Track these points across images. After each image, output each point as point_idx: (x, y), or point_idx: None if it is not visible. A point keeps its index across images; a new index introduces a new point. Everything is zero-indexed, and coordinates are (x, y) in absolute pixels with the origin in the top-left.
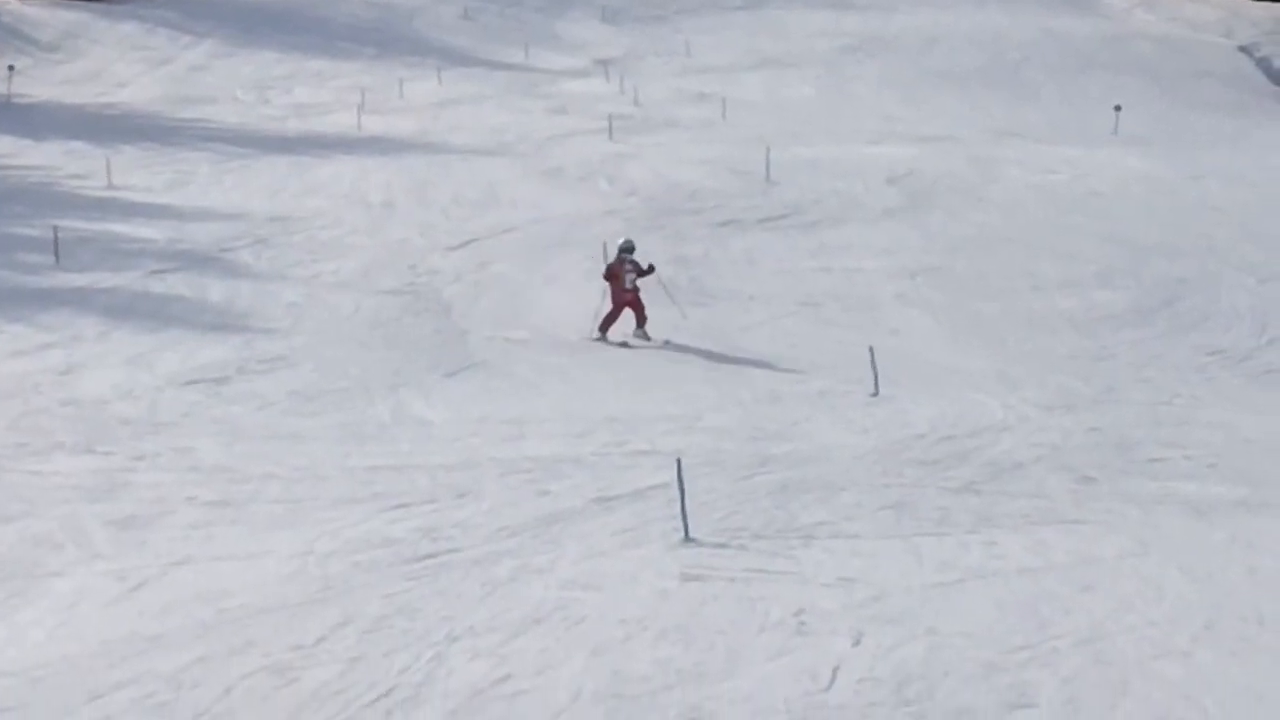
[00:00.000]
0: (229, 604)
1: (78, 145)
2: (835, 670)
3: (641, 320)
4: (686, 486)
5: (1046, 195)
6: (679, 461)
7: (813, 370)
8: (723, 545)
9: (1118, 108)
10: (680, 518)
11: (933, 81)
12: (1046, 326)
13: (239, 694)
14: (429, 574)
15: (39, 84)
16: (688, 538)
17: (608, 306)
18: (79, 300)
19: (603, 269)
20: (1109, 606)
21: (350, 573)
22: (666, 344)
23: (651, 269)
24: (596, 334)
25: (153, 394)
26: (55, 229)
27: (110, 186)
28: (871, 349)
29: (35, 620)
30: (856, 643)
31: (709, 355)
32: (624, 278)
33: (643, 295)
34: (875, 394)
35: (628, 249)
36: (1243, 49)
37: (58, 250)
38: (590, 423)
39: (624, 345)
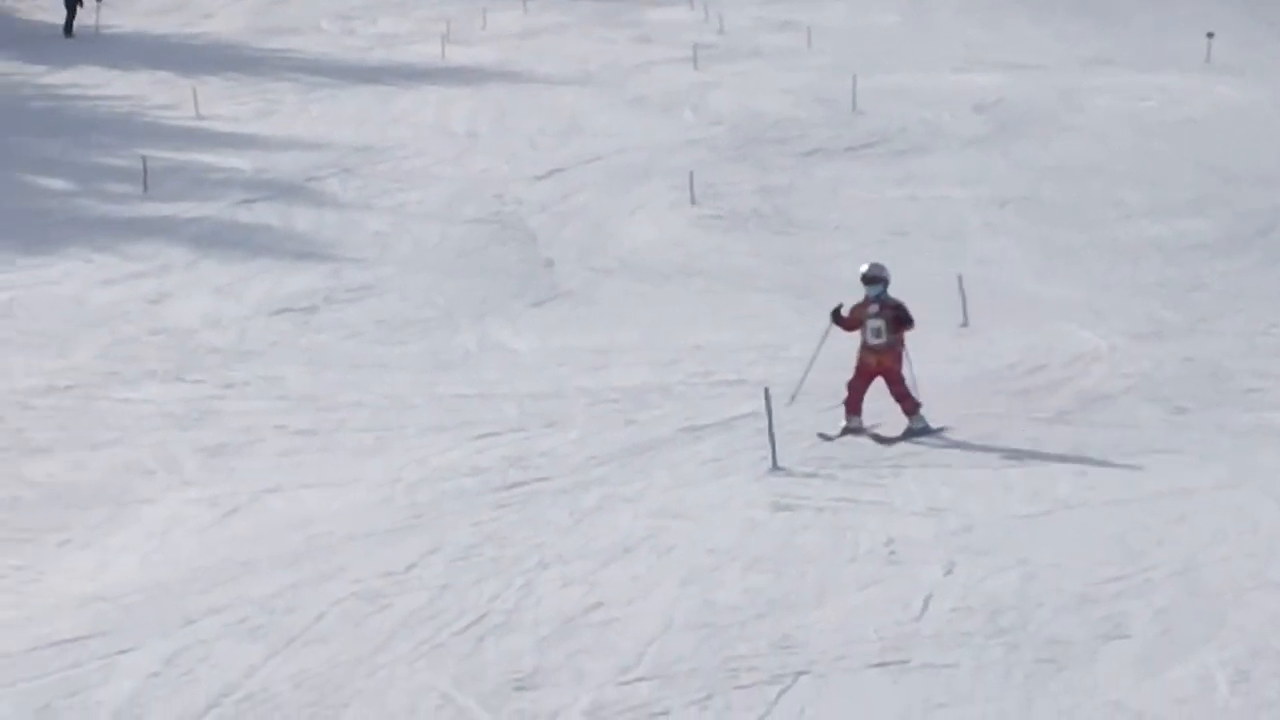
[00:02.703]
0: (319, 531)
1: (164, 75)
2: (927, 600)
3: (907, 407)
4: (775, 416)
5: (1136, 123)
6: (767, 391)
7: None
8: (811, 475)
9: (1210, 35)
10: (769, 447)
11: (1018, 8)
12: (1136, 255)
13: (330, 619)
14: (517, 502)
15: (126, 15)
16: (776, 467)
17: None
18: (167, 229)
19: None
20: (1202, 538)
21: (439, 500)
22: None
23: (908, 321)
24: (835, 431)
25: (241, 323)
26: (143, 159)
27: (197, 116)
28: (959, 278)
29: (128, 546)
30: (948, 572)
31: (795, 285)
32: (865, 328)
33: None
34: (964, 324)
35: (870, 278)
36: None
37: (146, 180)
38: (677, 352)
39: (879, 438)
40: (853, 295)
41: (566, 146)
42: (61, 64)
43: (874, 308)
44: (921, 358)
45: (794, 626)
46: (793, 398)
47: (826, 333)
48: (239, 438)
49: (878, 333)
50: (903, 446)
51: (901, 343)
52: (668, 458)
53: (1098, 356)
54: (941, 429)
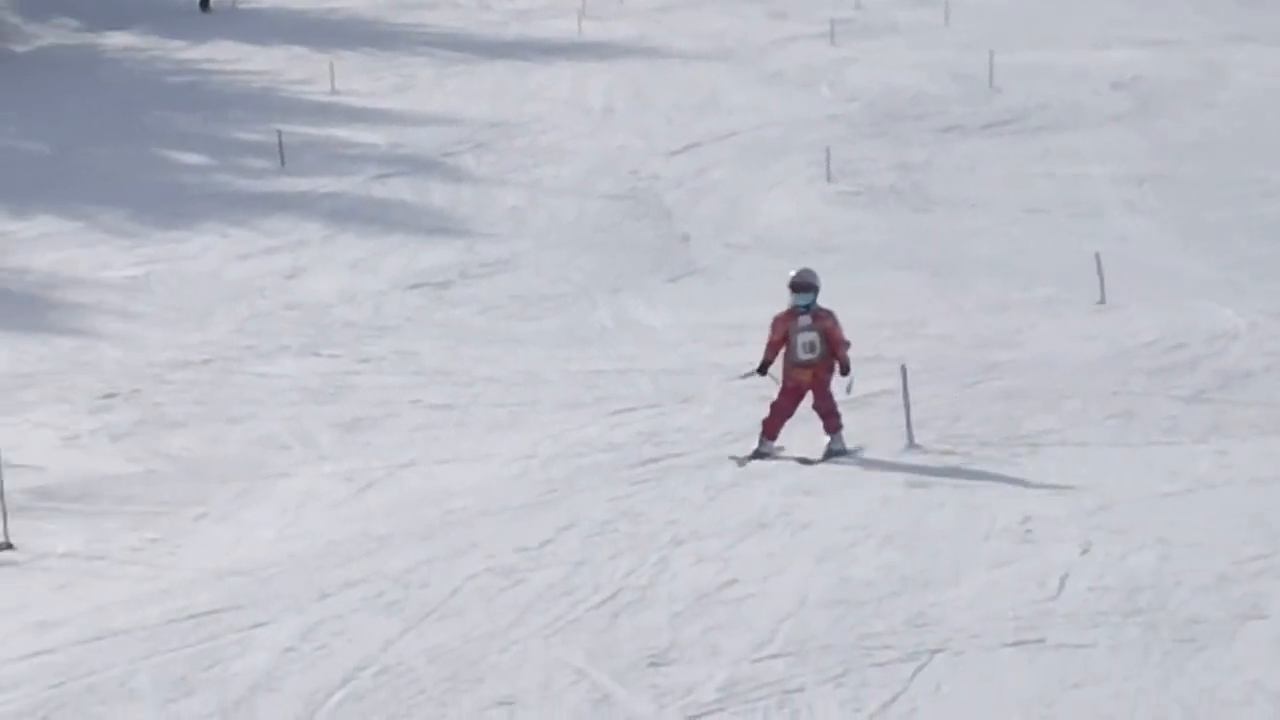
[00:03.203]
0: (454, 506)
1: (300, 50)
2: (1063, 578)
3: (831, 425)
4: (910, 393)
5: (1277, 98)
6: (903, 368)
7: (1037, 277)
8: (947, 452)
9: None
10: (904, 424)
11: None
12: (1276, 232)
13: (466, 594)
14: (652, 478)
15: None
16: (912, 444)
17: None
18: (303, 204)
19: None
20: None
21: (573, 476)
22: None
23: (846, 371)
24: (745, 456)
25: (376, 298)
26: (279, 133)
27: (333, 91)
28: (1098, 256)
29: (264, 520)
30: (1085, 551)
31: (932, 262)
32: (793, 343)
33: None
34: (1101, 301)
35: (799, 285)
36: None
37: (282, 155)
38: None
39: (803, 461)
40: (988, 272)
41: (702, 122)
42: (198, 39)
43: (804, 319)
44: (1059, 335)
45: (929, 604)
46: (743, 375)
47: (746, 376)
48: (374, 412)
49: (810, 347)
50: (1041, 423)
51: (835, 355)
52: (802, 434)
53: (1237, 334)
54: (859, 449)
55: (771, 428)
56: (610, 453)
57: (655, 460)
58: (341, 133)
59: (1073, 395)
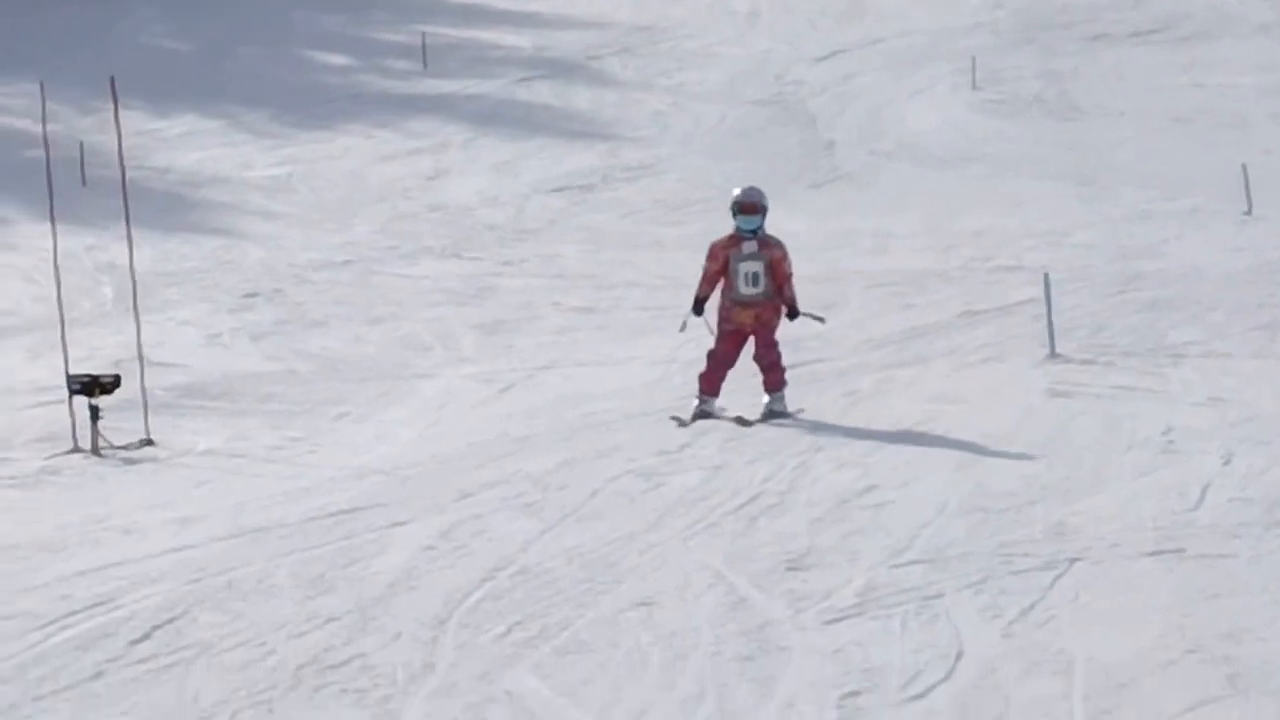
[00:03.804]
0: (594, 408)
1: None
2: (1204, 489)
3: (773, 381)
4: (1053, 303)
5: None
6: (1046, 277)
7: (1183, 188)
8: (1089, 362)
9: None
10: (1047, 334)
11: None
12: None
13: (605, 496)
14: (793, 384)
15: None
16: (1054, 354)
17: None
18: (446, 107)
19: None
20: None
21: None
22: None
23: (794, 314)
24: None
25: (518, 201)
26: (423, 35)
27: None
28: (1244, 167)
29: (405, 420)
30: (1227, 462)
31: (1077, 171)
32: (735, 273)
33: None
34: (1248, 213)
35: (747, 206)
36: None
37: (425, 56)
38: (956, 237)
39: (741, 421)
40: (1133, 182)
41: (848, 28)
42: None
43: (749, 246)
44: (1204, 246)
45: (1068, 513)
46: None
47: (684, 323)
48: (515, 315)
49: (753, 279)
50: (1185, 334)
51: (781, 296)
52: (945, 342)
53: None
54: (799, 411)
55: (711, 381)
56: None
57: (797, 366)
58: (486, 35)
59: (1217, 307)
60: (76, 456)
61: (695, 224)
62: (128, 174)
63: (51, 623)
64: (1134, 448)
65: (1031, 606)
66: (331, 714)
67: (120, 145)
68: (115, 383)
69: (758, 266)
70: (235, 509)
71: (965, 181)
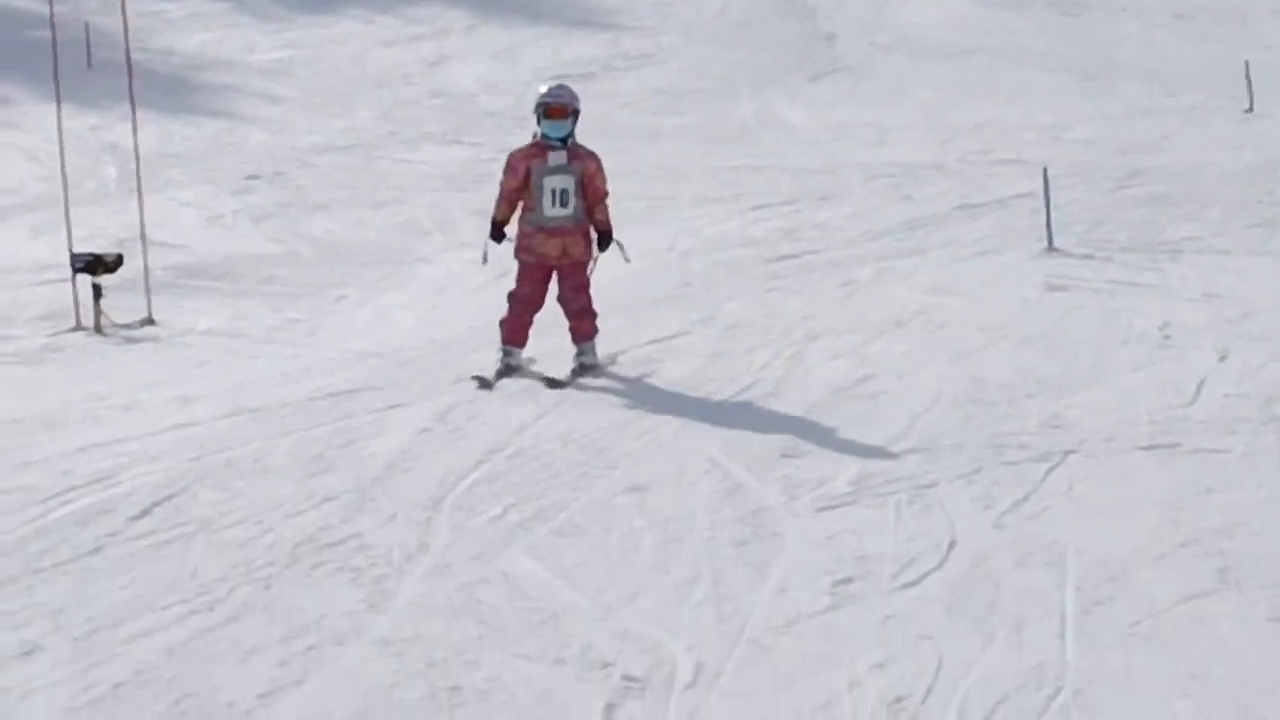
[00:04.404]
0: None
1: None
2: (1200, 385)
3: (582, 330)
4: (1052, 197)
5: None
6: (1045, 171)
7: (1185, 84)
8: (1087, 256)
9: None
10: (1045, 227)
11: None
12: None
13: (600, 382)
14: (790, 274)
15: None
16: (1052, 247)
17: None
18: None
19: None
20: None
21: (710, 270)
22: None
23: (607, 240)
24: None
25: (519, 88)
26: None
27: None
28: (1246, 64)
29: (404, 304)
30: (1223, 358)
31: (1079, 66)
32: (538, 190)
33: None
34: (1249, 110)
35: (555, 109)
36: None
37: None
38: (955, 130)
39: (550, 381)
40: (1135, 77)
41: None
42: None
43: (556, 157)
44: (1205, 143)
45: (1064, 406)
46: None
47: (485, 254)
48: None
49: (561, 198)
50: (1183, 230)
51: (593, 219)
52: (943, 234)
53: None
54: (613, 361)
55: (515, 329)
56: (748, 248)
57: (793, 257)
58: None
59: (1216, 203)
60: (79, 334)
61: (695, 114)
62: (132, 56)
63: (52, 497)
64: (1130, 342)
65: (1025, 498)
66: (327, 592)
67: (125, 27)
68: (118, 262)
69: (567, 182)
70: (235, 388)
71: (965, 74)
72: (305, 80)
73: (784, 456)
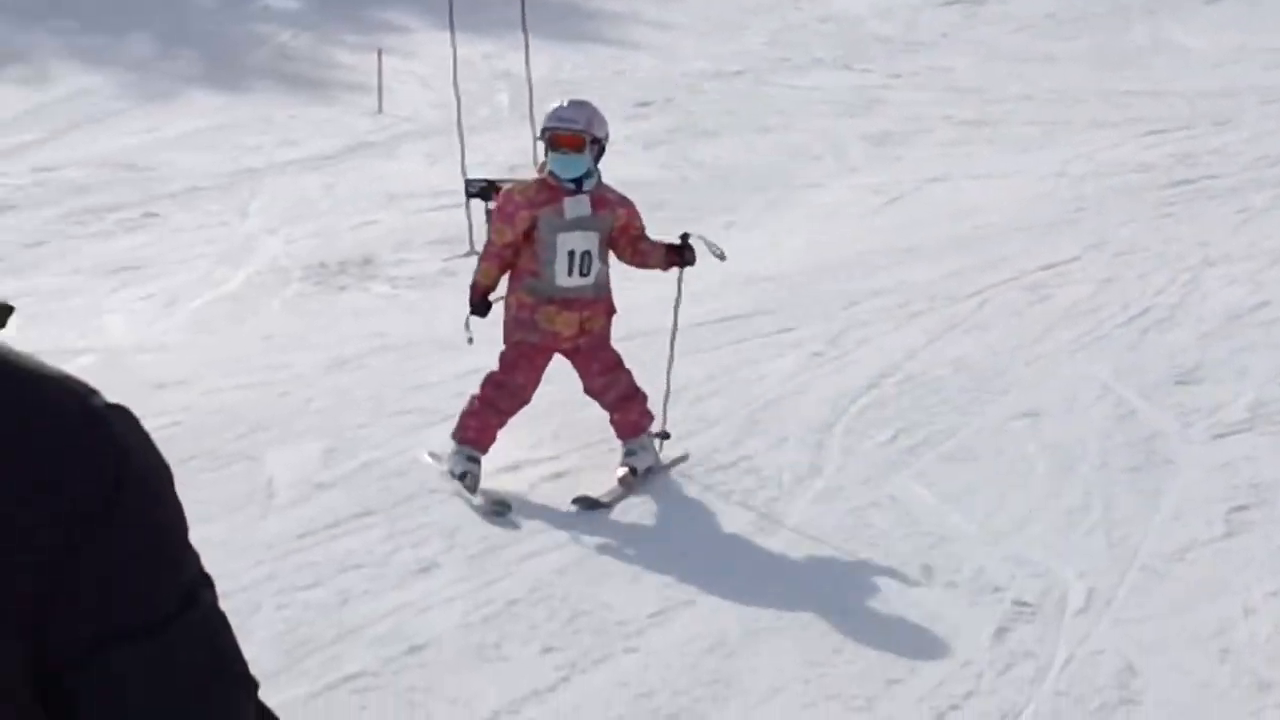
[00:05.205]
0: (981, 221)
1: None
2: None
3: (630, 422)
4: None
5: None
6: None
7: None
8: None
9: None
10: None
11: None
12: None
13: (991, 308)
14: (1184, 200)
15: None
16: None
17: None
18: None
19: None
20: None
21: (1103, 195)
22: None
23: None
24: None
25: (910, 13)
26: None
27: None
28: None
29: (793, 228)
30: None
31: None
32: (547, 249)
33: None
34: None
35: (564, 138)
36: None
37: None
38: None
39: (586, 503)
40: None
41: None
42: None
43: (578, 205)
44: None
45: None
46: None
47: (469, 333)
48: (904, 127)
49: (583, 264)
50: None
51: (641, 258)
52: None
53: None
54: (684, 457)
55: (484, 428)
56: (1141, 173)
57: (1187, 182)
58: None
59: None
60: (473, 258)
61: (1087, 38)
62: None
63: (446, 419)
64: None
65: None
66: (719, 513)
67: None
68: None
69: (590, 241)
70: (626, 313)
71: None
72: (694, 7)
73: (1178, 383)
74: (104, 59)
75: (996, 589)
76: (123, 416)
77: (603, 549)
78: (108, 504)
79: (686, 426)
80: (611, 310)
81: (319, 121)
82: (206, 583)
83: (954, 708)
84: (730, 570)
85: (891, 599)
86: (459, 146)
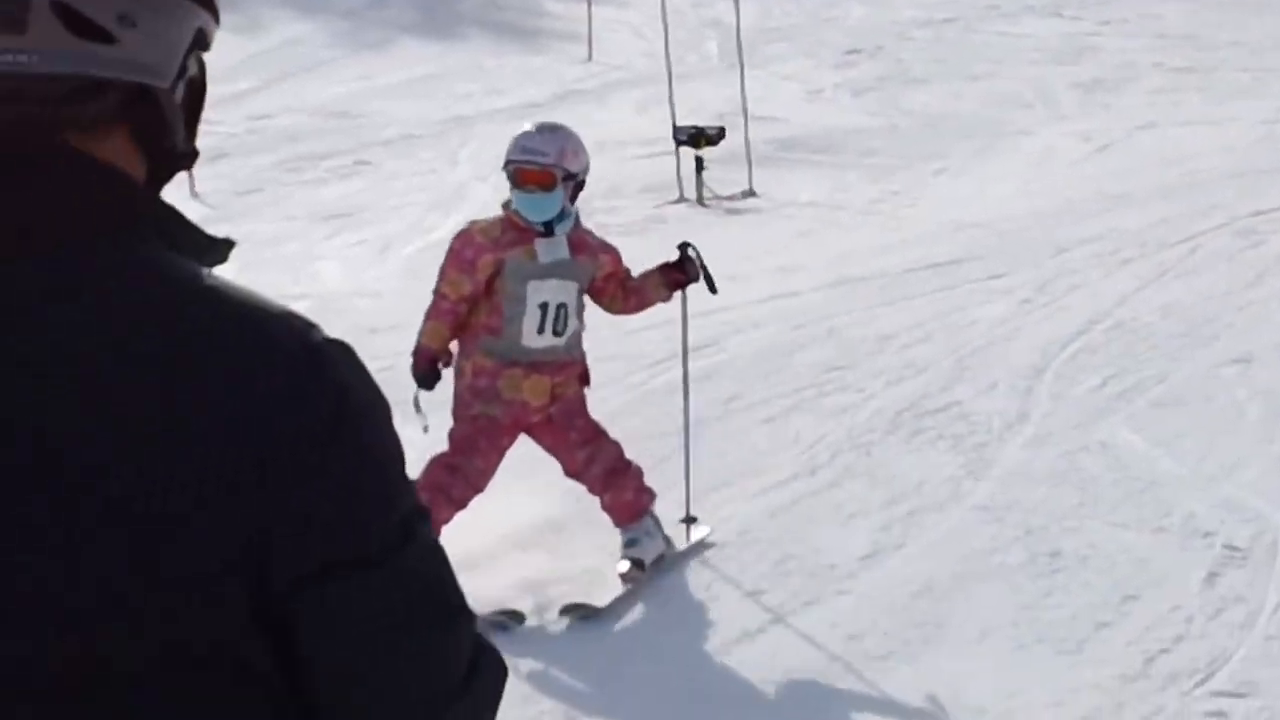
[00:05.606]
0: (1192, 168)
1: None
2: None
3: (625, 504)
4: None
5: None
6: None
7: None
8: None
9: None
10: None
11: None
12: None
13: (1202, 254)
14: None
15: None
16: None
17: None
18: None
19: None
20: None
21: None
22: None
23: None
24: None
25: None
26: None
27: None
28: None
29: (1002, 175)
30: None
31: None
32: (513, 302)
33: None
34: None
35: (528, 174)
36: None
37: None
38: None
39: (577, 609)
40: None
41: None
42: None
43: (552, 249)
44: None
45: None
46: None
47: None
48: (1115, 74)
49: (556, 320)
50: None
51: (629, 307)
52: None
53: None
54: (703, 539)
55: (439, 518)
56: None
57: None
58: None
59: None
60: (681, 205)
61: None
62: None
63: (658, 363)
64: None
65: None
66: (927, 458)
67: None
68: (720, 135)
69: (567, 293)
70: (835, 259)
71: None
72: None
73: None
74: (316, 8)
75: (1207, 534)
76: (343, 351)
77: (814, 493)
78: (330, 437)
79: (896, 373)
80: (586, 378)
81: (530, 70)
82: (423, 516)
83: (1164, 651)
84: (941, 515)
85: (1101, 543)
86: (668, 95)
